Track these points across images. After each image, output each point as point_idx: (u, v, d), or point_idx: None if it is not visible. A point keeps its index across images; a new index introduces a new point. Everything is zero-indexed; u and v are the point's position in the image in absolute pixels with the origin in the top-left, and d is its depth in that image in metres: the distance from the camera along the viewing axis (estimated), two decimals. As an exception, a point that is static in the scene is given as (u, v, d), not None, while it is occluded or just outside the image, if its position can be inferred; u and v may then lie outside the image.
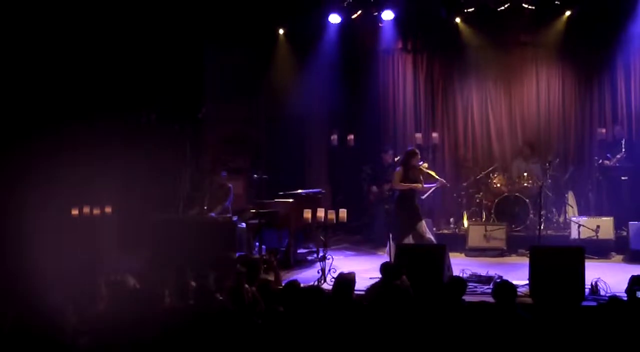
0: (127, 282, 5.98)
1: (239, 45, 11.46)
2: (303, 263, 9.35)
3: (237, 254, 8.39)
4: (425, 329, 4.96)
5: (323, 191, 10.45)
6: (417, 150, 8.95)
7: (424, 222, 8.63)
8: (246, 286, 6.05)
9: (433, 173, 8.78)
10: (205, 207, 9.51)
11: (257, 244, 9.27)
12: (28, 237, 7.97)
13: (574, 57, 11.30)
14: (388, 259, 8.14)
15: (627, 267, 8.42)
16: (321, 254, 8.18)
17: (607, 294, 6.72)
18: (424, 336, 4.89)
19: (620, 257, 9.22)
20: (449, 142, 11.86)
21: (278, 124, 12.04)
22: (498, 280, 7.47)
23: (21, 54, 9.30)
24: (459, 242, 10.00)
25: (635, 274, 5.62)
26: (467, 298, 6.55)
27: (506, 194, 10.38)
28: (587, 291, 6.96)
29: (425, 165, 8.83)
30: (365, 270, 8.47)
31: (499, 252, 9.69)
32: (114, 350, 4.83)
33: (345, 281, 5.71)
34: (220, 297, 5.72)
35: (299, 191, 9.78)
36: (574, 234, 9.50)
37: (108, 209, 9.32)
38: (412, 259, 7.52)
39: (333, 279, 6.28)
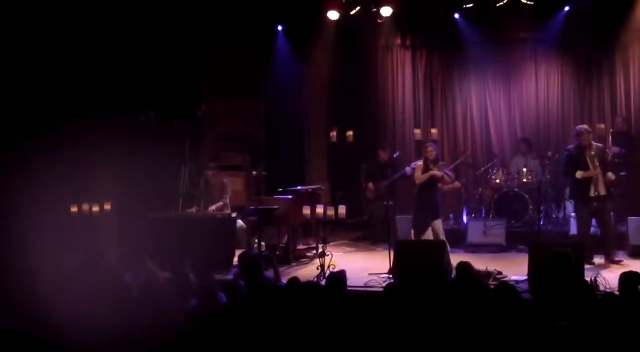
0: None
1: (238, 42, 11.47)
2: (302, 259, 9.35)
3: (236, 251, 8.40)
4: None
5: (322, 188, 10.44)
6: (427, 144, 8.86)
7: (440, 221, 8.58)
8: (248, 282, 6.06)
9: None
10: (203, 205, 9.52)
11: (257, 240, 9.27)
12: (27, 234, 7.97)
13: (573, 53, 11.29)
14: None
15: (626, 262, 8.41)
16: (320, 250, 8.18)
17: (607, 290, 6.73)
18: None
19: (620, 252, 9.21)
20: (448, 138, 11.88)
21: (277, 120, 12.04)
22: (498, 276, 7.54)
23: (22, 51, 9.29)
24: (459, 238, 10.01)
25: (634, 270, 5.62)
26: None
27: (505, 189, 10.37)
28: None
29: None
30: (364, 266, 8.49)
31: (498, 248, 9.68)
32: (116, 350, 4.83)
33: (337, 278, 5.75)
34: (221, 294, 5.71)
35: (298, 187, 9.79)
36: (573, 230, 9.48)
37: (107, 207, 9.33)
38: (411, 255, 7.54)
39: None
